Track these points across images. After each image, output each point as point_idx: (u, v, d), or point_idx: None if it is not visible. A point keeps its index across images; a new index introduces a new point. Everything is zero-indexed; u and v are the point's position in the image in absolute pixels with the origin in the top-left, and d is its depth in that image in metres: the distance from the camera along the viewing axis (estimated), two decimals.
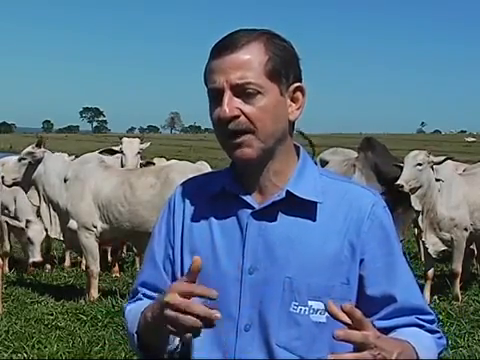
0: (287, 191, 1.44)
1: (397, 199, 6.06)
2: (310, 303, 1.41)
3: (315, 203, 1.44)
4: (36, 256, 7.09)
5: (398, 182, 5.94)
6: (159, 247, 1.55)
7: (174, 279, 1.50)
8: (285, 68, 1.43)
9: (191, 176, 1.64)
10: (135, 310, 1.49)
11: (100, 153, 6.89)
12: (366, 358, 1.25)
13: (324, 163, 7.93)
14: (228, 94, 1.39)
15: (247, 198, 1.46)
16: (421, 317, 1.48)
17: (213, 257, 1.46)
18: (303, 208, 1.44)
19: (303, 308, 1.41)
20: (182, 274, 1.48)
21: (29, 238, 7.04)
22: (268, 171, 1.46)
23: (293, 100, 1.46)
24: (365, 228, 1.44)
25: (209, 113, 1.45)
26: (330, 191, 1.47)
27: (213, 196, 1.49)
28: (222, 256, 1.45)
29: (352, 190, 1.49)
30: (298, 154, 1.52)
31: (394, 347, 1.32)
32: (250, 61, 1.40)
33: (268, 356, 1.42)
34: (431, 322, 1.50)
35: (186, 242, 1.51)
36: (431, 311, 1.52)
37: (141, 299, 1.56)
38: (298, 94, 1.46)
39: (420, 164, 6.04)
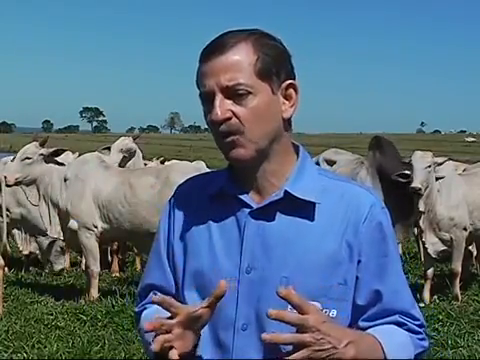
0: (285, 191, 1.43)
1: (400, 202, 6.03)
2: None
3: (313, 203, 1.44)
4: (63, 263, 7.43)
5: (413, 185, 5.92)
6: (163, 249, 1.55)
7: (175, 279, 1.51)
8: (276, 66, 1.42)
9: (191, 176, 1.64)
10: (150, 317, 1.45)
11: (102, 150, 6.95)
12: (306, 340, 1.26)
13: (331, 163, 7.89)
14: (219, 97, 1.39)
15: (245, 198, 1.45)
16: (405, 317, 1.46)
17: (211, 256, 1.45)
18: (301, 208, 1.43)
19: None
20: (183, 273, 1.50)
21: (62, 248, 7.23)
22: (265, 171, 1.45)
23: (286, 98, 1.45)
24: (363, 229, 1.44)
25: (203, 116, 1.45)
26: (329, 191, 1.46)
27: (212, 196, 1.49)
28: (220, 255, 1.45)
29: (351, 190, 1.49)
30: (297, 153, 1.51)
31: (344, 335, 1.31)
32: (239, 62, 1.39)
33: (266, 356, 1.41)
34: (418, 326, 1.47)
35: (185, 242, 1.51)
36: (420, 317, 1.49)
37: (151, 303, 1.53)
38: (291, 91, 1.45)
39: (429, 166, 6.07)
